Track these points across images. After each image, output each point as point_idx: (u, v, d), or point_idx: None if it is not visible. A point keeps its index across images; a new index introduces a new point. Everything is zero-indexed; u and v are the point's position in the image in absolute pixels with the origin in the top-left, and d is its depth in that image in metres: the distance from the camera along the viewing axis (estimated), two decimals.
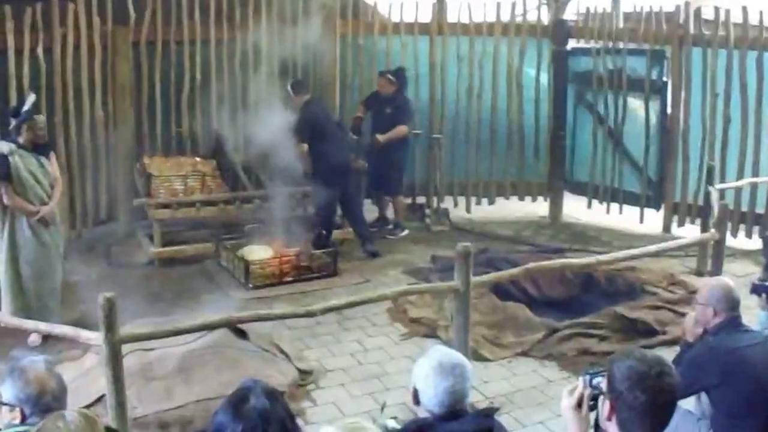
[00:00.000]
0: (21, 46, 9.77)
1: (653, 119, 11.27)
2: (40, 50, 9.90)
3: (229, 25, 11.09)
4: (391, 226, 11.48)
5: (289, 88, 10.24)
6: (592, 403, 3.24)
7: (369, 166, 10.91)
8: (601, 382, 3.22)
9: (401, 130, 10.99)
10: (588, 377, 3.27)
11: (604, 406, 3.17)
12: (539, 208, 12.58)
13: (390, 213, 11.65)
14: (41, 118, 7.87)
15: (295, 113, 10.03)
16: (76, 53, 10.22)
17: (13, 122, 7.67)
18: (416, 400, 3.79)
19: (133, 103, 10.68)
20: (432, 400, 3.72)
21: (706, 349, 4.81)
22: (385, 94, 11.04)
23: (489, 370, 7.27)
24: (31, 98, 7.98)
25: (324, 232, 9.97)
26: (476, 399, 6.46)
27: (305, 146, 9.83)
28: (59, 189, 7.95)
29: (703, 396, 4.89)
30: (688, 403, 5.03)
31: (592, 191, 12.10)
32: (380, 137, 10.92)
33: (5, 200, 7.52)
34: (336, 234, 10.48)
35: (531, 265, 7.29)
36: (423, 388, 3.74)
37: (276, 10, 11.30)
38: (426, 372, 3.76)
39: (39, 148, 7.74)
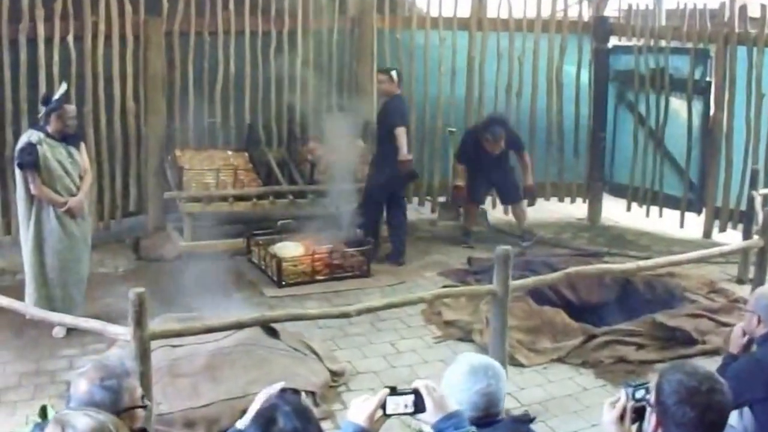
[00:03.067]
0: (51, 34, 9.81)
1: (696, 120, 11.14)
2: (70, 38, 9.93)
3: (264, 17, 11.06)
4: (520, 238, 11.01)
5: (394, 74, 9.97)
6: (634, 416, 3.19)
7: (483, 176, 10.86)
8: (645, 394, 3.17)
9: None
10: (631, 389, 3.21)
11: (650, 420, 3.11)
12: (578, 209, 12.52)
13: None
14: (71, 108, 7.88)
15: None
16: (107, 43, 10.24)
17: (43, 110, 7.69)
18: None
19: (164, 94, 10.64)
20: (465, 404, 3.58)
21: (753, 362, 4.70)
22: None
23: (524, 376, 7.22)
24: (62, 87, 7.98)
25: (370, 232, 10.03)
26: (511, 406, 6.40)
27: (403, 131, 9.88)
28: (89, 180, 7.97)
29: (746, 410, 4.77)
30: (729, 418, 4.94)
31: (631, 193, 12.01)
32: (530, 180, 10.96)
33: (32, 190, 7.53)
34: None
35: (571, 269, 7.22)
36: (454, 392, 3.60)
37: (312, 3, 11.31)
38: (457, 376, 3.69)
39: (69, 137, 7.75)
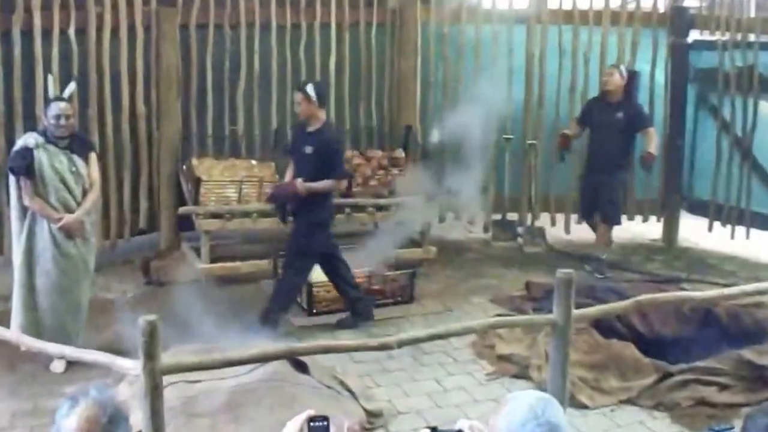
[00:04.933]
0: (49, 26, 9.90)
1: None
2: (71, 31, 10.02)
3: (293, 9, 11.16)
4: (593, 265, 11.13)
5: (310, 90, 8.74)
6: None
7: (588, 189, 11.10)
8: None
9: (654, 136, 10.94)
10: None
11: None
12: (651, 229, 12.53)
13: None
14: (61, 105, 7.67)
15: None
16: (114, 36, 10.30)
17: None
18: None
19: (180, 96, 10.72)
20: None
21: None
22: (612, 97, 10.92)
23: (587, 419, 7.21)
24: (70, 87, 8.06)
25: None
26: None
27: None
28: (93, 197, 7.88)
29: None
30: None
31: (714, 211, 11.98)
32: (653, 149, 10.88)
33: (24, 200, 7.51)
34: (412, 253, 10.60)
35: (642, 297, 7.19)
36: None
37: None
38: (510, 418, 3.64)
39: (75, 145, 7.74)
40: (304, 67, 11.24)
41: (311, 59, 11.30)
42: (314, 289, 9.29)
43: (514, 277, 10.62)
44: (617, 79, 10.70)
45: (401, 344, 6.38)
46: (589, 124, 11.10)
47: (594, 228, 11.32)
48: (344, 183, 9.35)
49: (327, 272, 9.19)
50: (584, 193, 11.29)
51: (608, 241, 11.11)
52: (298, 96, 8.76)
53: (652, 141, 10.78)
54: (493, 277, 10.71)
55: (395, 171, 10.85)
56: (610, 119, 10.70)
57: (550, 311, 6.60)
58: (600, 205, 10.99)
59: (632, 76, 10.95)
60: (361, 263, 9.68)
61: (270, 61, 11.11)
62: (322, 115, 8.81)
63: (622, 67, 10.90)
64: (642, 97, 11.98)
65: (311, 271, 9.18)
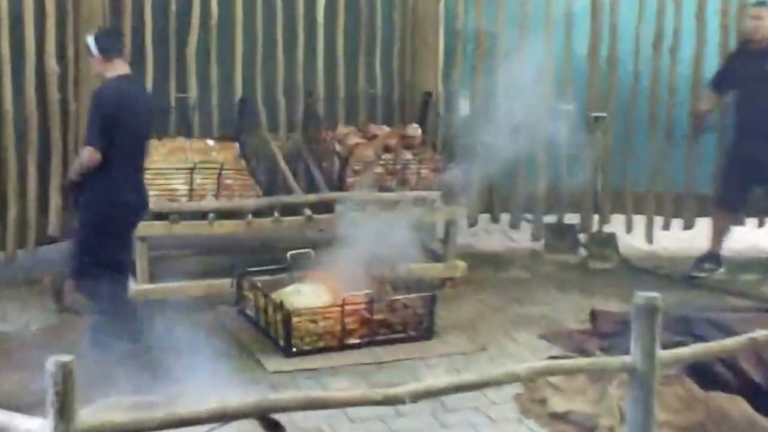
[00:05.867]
0: None
1: None
2: None
3: None
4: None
5: (91, 42, 8.86)
6: None
7: (743, 166, 11.24)
8: None
9: None
10: None
11: None
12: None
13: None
14: None
15: None
16: None
17: None
18: None
19: None
20: None
21: None
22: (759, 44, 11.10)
23: None
24: None
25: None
26: None
27: None
28: None
29: None
30: None
31: None
32: None
33: None
34: (430, 269, 10.66)
35: (758, 334, 7.15)
36: None
37: None
38: None
39: None
40: (281, 12, 11.28)
41: (290, 4, 11.35)
42: (294, 320, 9.25)
43: (574, 304, 10.68)
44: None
45: (416, 397, 6.31)
46: (734, 85, 11.27)
47: (738, 223, 11.61)
48: (88, 155, 8.67)
49: None
50: (734, 173, 11.39)
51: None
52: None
53: None
54: (545, 303, 10.76)
55: (408, 155, 10.87)
56: (760, 72, 10.92)
57: (626, 351, 6.55)
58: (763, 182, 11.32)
59: None
60: (356, 281, 9.68)
61: (233, 5, 11.17)
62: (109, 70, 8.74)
63: None
64: None
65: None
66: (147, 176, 9.90)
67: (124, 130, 8.51)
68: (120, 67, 8.69)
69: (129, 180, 8.77)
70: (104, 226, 8.67)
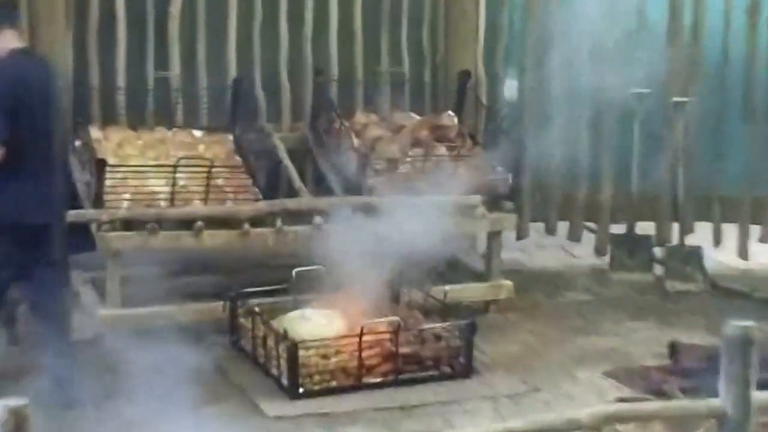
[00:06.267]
0: None
1: None
2: None
3: None
4: None
5: None
6: None
7: None
8: None
9: None
10: None
11: None
12: None
13: None
14: None
15: None
16: None
17: None
18: None
19: (71, 26, 10.69)
20: None
21: None
22: None
23: None
24: None
25: None
26: None
27: None
28: None
29: None
30: None
31: None
32: None
33: None
34: (470, 291, 10.35)
35: None
36: None
37: None
38: None
39: None
40: None
41: None
42: (301, 353, 8.96)
43: (648, 335, 10.55)
44: None
45: None
46: None
47: None
48: None
49: None
50: None
51: None
52: None
53: None
54: (613, 334, 10.66)
55: (442, 150, 10.66)
56: None
57: (714, 393, 6.12)
58: None
59: None
60: (377, 305, 9.48)
61: None
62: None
63: None
64: None
65: None
66: (117, 175, 9.98)
67: (28, 117, 8.33)
68: (11, 40, 8.51)
69: (37, 183, 8.52)
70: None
